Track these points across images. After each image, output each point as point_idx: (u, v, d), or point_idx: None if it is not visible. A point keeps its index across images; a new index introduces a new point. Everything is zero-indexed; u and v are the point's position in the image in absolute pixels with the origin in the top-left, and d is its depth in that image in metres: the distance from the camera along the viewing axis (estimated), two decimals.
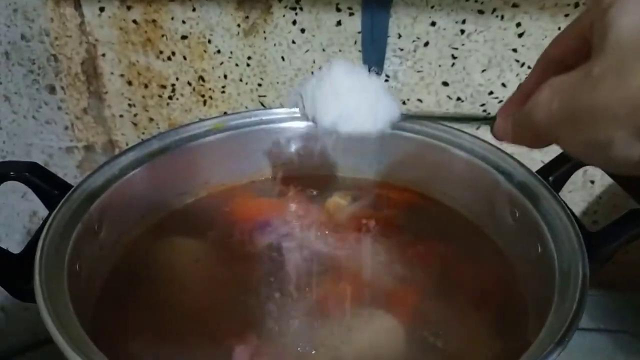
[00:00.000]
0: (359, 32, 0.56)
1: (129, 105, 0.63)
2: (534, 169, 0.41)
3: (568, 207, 0.36)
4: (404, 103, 0.59)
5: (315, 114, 0.36)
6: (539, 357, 0.25)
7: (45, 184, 0.38)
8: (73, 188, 0.38)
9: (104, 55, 0.60)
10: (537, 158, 0.51)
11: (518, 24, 0.54)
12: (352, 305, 0.41)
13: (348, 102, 0.36)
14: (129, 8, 0.57)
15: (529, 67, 0.56)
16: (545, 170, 0.41)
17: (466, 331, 0.37)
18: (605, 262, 0.34)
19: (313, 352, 0.36)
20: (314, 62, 0.58)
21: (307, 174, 0.52)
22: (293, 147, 0.51)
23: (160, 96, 0.62)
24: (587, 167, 0.61)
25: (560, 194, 0.54)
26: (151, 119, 0.63)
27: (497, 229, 0.42)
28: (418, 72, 0.58)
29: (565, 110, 0.23)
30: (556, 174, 0.41)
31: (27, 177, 0.38)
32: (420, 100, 0.59)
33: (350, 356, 0.36)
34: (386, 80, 0.58)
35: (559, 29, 0.53)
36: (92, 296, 0.37)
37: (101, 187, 0.40)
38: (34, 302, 0.30)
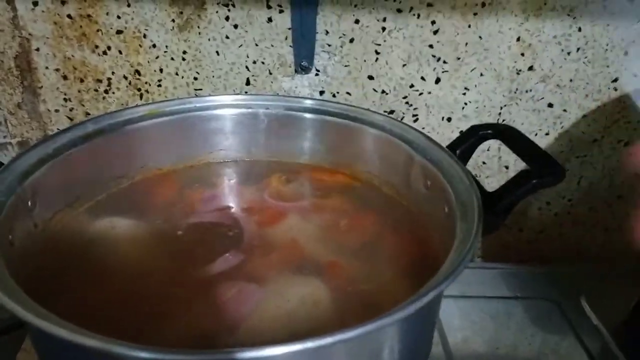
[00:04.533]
0: (289, 28, 0.59)
1: (65, 99, 0.63)
2: (444, 144, 0.46)
3: (470, 173, 0.40)
4: (333, 96, 0.64)
5: None
6: (432, 286, 0.29)
7: None
8: (7, 163, 0.39)
9: (38, 49, 0.61)
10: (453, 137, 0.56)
11: (433, 22, 0.59)
12: (285, 273, 0.43)
13: None
14: (63, 3, 0.58)
15: (444, 62, 0.61)
16: (453, 145, 0.46)
17: (387, 282, 0.41)
18: (504, 216, 0.39)
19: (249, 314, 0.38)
20: (247, 56, 0.61)
21: (242, 159, 0.55)
22: (228, 133, 0.54)
23: (96, 90, 0.63)
24: (502, 154, 0.67)
25: (478, 179, 0.59)
26: (87, 113, 0.64)
27: (413, 199, 0.47)
28: (345, 66, 0.62)
29: None
30: (462, 147, 0.45)
31: None
32: (349, 93, 0.64)
33: (284, 316, 0.39)
34: (316, 74, 0.62)
35: (469, 26, 0.59)
36: (25, 271, 0.38)
37: (34, 165, 0.41)
38: None
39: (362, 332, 0.26)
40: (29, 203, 0.40)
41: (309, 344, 0.25)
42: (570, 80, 0.62)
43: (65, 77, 0.62)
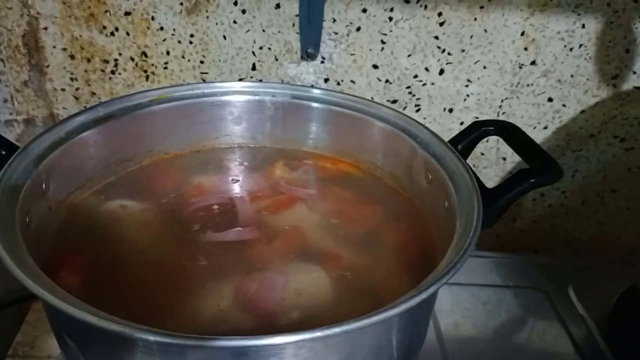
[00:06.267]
0: (296, 15, 0.60)
1: (71, 79, 0.64)
2: (446, 139, 0.47)
3: (471, 169, 0.42)
4: (338, 84, 0.64)
5: None
6: (434, 280, 0.31)
7: None
8: (21, 148, 0.40)
9: (45, 28, 0.61)
10: (454, 128, 0.57)
11: (440, 14, 0.60)
12: (288, 260, 0.45)
13: None
14: None
15: (449, 54, 0.62)
16: (455, 140, 0.47)
17: (388, 276, 0.43)
18: (501, 212, 0.40)
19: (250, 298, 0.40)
20: (254, 41, 0.61)
21: (247, 145, 0.56)
22: (234, 120, 0.55)
23: (102, 71, 0.63)
24: (500, 146, 0.68)
25: (476, 169, 0.60)
26: (93, 93, 0.65)
27: (414, 191, 0.48)
28: (351, 55, 0.63)
29: None
30: (464, 142, 0.47)
31: None
32: (353, 82, 0.64)
33: (285, 302, 0.41)
34: (322, 62, 0.63)
35: (475, 19, 0.60)
36: (43, 249, 0.39)
37: (48, 149, 0.42)
38: None
39: (368, 322, 0.28)
40: (44, 186, 0.41)
41: (318, 334, 0.27)
42: (571, 76, 0.63)
43: (72, 57, 0.62)
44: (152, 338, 0.27)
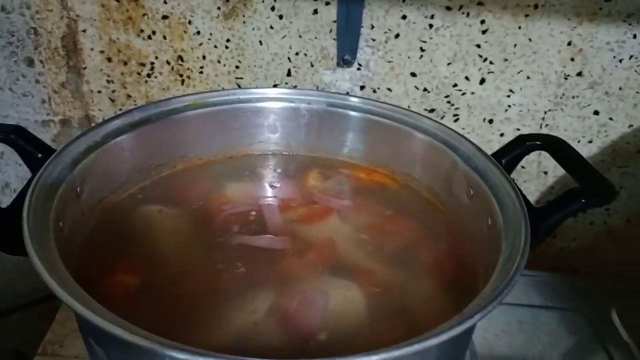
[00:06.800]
0: (334, 21, 0.59)
1: (108, 81, 0.64)
2: (489, 152, 0.45)
3: (517, 186, 0.39)
4: (374, 92, 0.63)
5: None
6: (479, 307, 0.29)
7: (29, 146, 0.40)
8: (57, 151, 0.39)
9: (84, 31, 0.61)
10: (493, 139, 0.55)
11: (482, 21, 0.58)
12: (320, 275, 0.43)
13: None
14: None
15: (491, 63, 0.60)
16: (499, 154, 0.45)
17: (423, 296, 0.41)
18: (547, 234, 0.38)
19: (281, 315, 0.39)
20: (290, 47, 0.61)
21: (281, 152, 0.55)
22: (269, 127, 0.54)
23: (139, 74, 0.63)
24: (541, 159, 0.66)
25: (516, 182, 0.58)
26: (129, 96, 0.65)
27: (454, 206, 0.46)
28: (388, 62, 0.61)
29: None
30: (508, 157, 0.45)
31: (13, 139, 0.39)
32: (389, 90, 0.63)
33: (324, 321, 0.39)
34: (358, 69, 0.61)
35: (519, 28, 0.58)
36: (74, 255, 0.39)
37: (84, 153, 0.41)
38: (22, 254, 0.31)
39: (409, 351, 0.26)
40: (78, 190, 0.40)
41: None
42: (620, 89, 0.60)
43: (109, 59, 0.63)
44: (181, 356, 0.26)
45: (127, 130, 0.45)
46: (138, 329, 0.27)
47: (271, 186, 0.53)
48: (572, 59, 0.59)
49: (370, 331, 0.38)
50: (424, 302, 0.41)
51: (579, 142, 0.64)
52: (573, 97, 0.61)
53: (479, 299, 0.30)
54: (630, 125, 0.62)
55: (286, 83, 0.63)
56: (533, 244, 0.36)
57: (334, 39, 0.60)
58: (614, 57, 0.59)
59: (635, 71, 0.59)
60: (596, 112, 0.62)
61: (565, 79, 0.60)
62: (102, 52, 0.62)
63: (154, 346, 0.26)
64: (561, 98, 0.61)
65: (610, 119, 0.62)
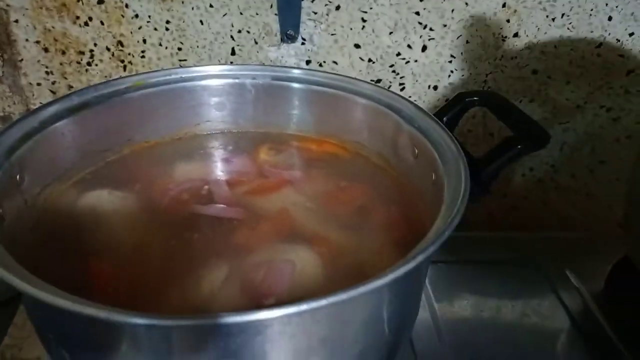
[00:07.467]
0: None
1: (47, 72, 0.62)
2: (431, 112, 0.46)
3: (456, 139, 0.41)
4: (320, 65, 0.63)
5: None
6: (422, 248, 0.30)
7: None
8: None
9: (16, 21, 0.59)
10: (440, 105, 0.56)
11: None
12: (275, 242, 0.44)
13: None
14: None
15: (431, 29, 0.61)
16: (440, 113, 0.46)
17: (377, 254, 0.42)
18: (490, 182, 0.40)
19: (237, 282, 0.39)
20: (232, 25, 0.60)
21: (229, 130, 0.55)
22: (215, 104, 0.53)
23: (78, 62, 0.62)
24: (487, 122, 0.68)
25: (465, 146, 0.59)
26: (70, 87, 0.63)
27: (402, 169, 0.47)
28: (332, 35, 0.61)
29: None
30: (449, 115, 0.46)
31: None
32: (335, 62, 0.63)
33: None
34: (302, 44, 0.62)
35: None
36: (21, 243, 0.38)
37: (20, 140, 0.40)
38: None
39: (356, 293, 0.27)
40: (17, 178, 0.39)
41: (304, 307, 0.26)
42: (555, 47, 0.62)
43: (46, 50, 0.61)
44: (139, 321, 0.26)
45: (66, 115, 0.44)
46: (93, 303, 0.27)
47: (223, 163, 0.52)
48: (508, 21, 0.61)
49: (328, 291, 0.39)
50: (380, 260, 0.42)
51: (520, 101, 0.66)
52: (512, 58, 0.63)
53: (422, 243, 0.31)
54: (568, 82, 0.65)
55: (231, 62, 0.62)
56: (476, 192, 0.38)
57: (276, 14, 0.60)
58: (547, 16, 0.61)
59: (568, 29, 0.61)
60: (535, 72, 0.64)
61: (503, 40, 0.62)
62: (37, 42, 0.60)
63: (113, 315, 0.26)
64: (500, 60, 0.63)
65: (549, 77, 0.64)
